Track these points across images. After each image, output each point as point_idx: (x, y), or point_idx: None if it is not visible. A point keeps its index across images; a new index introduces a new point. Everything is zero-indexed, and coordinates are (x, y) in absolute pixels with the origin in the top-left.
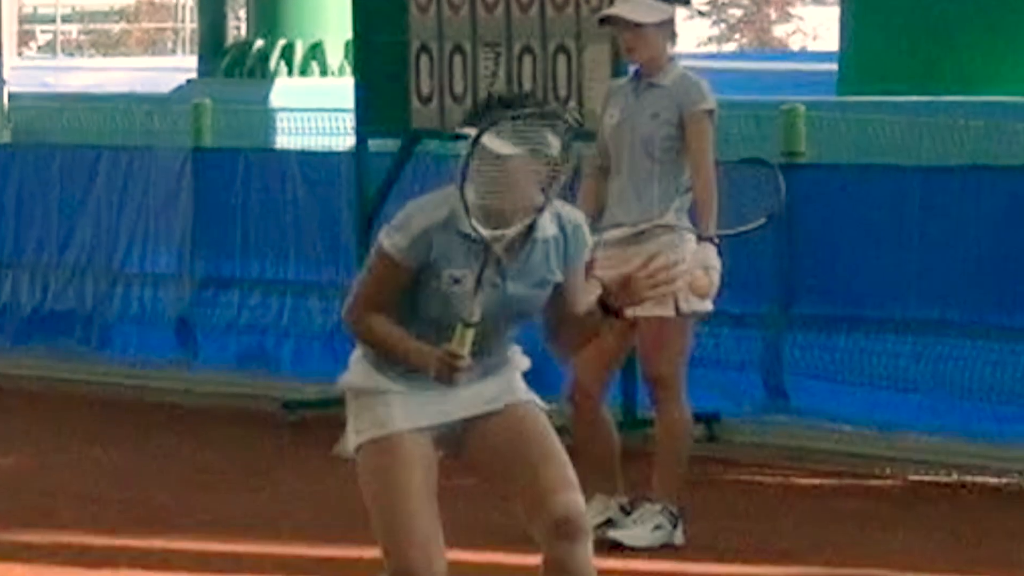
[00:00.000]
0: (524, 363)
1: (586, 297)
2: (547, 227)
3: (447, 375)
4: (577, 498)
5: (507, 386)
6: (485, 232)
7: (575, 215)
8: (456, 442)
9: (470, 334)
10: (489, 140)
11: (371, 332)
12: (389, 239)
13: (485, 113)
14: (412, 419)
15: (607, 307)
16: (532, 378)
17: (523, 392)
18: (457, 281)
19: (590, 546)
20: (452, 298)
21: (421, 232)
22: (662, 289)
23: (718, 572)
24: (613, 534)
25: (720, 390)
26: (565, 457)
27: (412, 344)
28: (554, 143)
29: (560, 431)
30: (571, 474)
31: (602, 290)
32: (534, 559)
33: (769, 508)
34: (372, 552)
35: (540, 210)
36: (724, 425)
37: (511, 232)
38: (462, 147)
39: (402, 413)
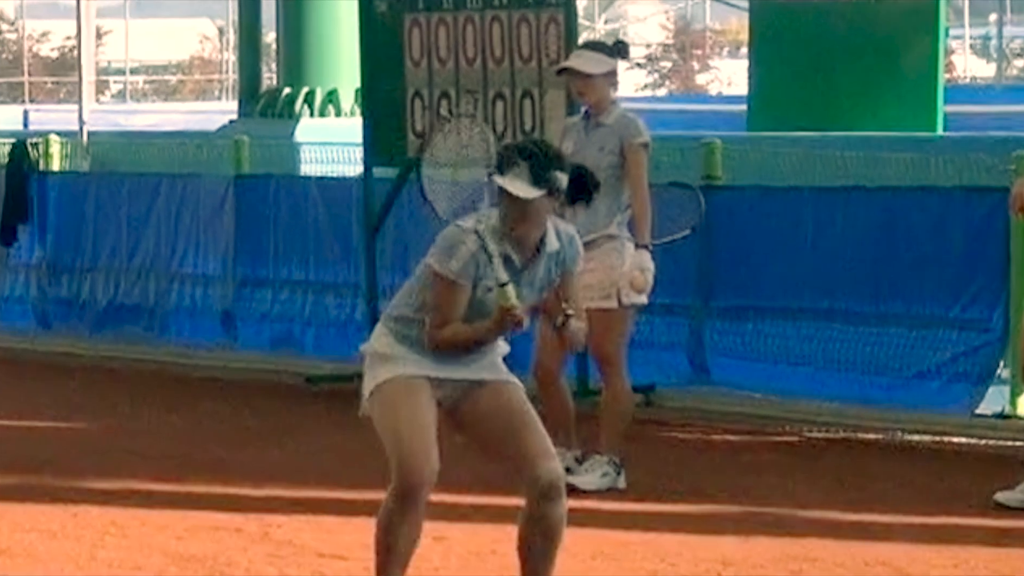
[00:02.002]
0: (505, 348)
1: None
2: (553, 242)
3: (513, 325)
4: (558, 465)
5: (494, 365)
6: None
7: (569, 228)
8: (452, 404)
9: (510, 289)
10: (513, 186)
11: (445, 341)
12: (443, 266)
13: (508, 158)
14: (419, 370)
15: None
16: (509, 356)
17: (506, 373)
18: (490, 290)
19: (565, 501)
20: (486, 302)
21: (470, 256)
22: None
23: (653, 510)
24: (569, 480)
25: (654, 366)
26: (543, 429)
27: (474, 328)
28: (563, 179)
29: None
30: (550, 444)
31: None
32: (512, 500)
33: (692, 459)
34: (380, 495)
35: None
36: (657, 394)
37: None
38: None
39: (412, 367)
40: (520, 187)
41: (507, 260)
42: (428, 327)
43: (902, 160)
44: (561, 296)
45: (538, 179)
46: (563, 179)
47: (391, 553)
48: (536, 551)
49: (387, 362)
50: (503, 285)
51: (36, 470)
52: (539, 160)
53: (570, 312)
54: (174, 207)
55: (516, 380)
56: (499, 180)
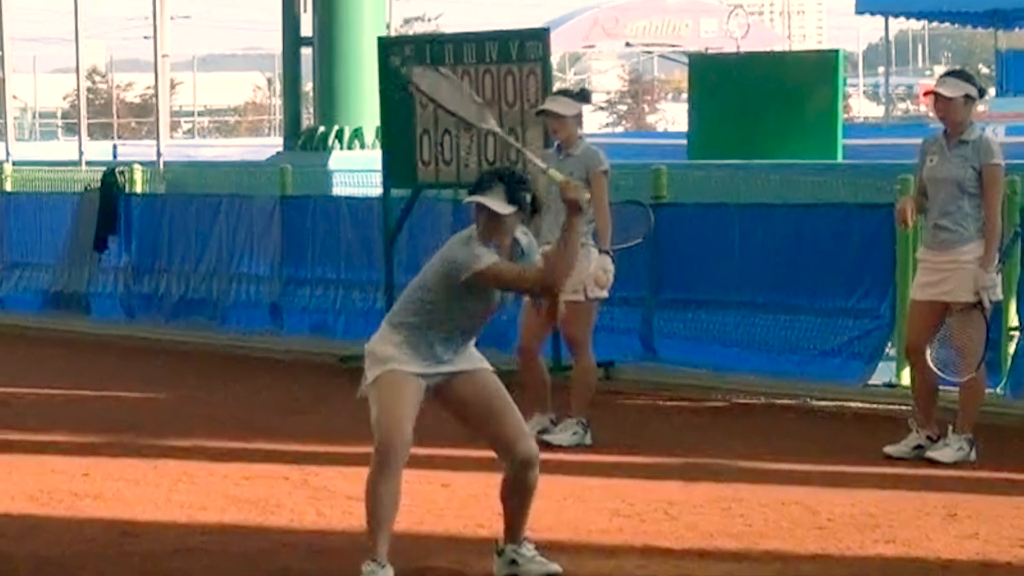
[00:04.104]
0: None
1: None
2: (523, 239)
3: (578, 195)
4: (533, 443)
5: (471, 355)
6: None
7: (524, 228)
8: (437, 386)
9: (554, 171)
10: (492, 204)
11: (556, 277)
12: (478, 266)
13: (486, 181)
14: (410, 367)
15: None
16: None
17: (480, 360)
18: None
19: (538, 470)
20: (492, 296)
21: (484, 246)
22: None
23: (613, 461)
24: (546, 438)
25: (614, 346)
26: (517, 410)
27: (562, 241)
28: (528, 198)
29: (510, 373)
30: (524, 424)
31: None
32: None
33: (645, 421)
34: None
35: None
36: (616, 369)
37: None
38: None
39: (401, 365)
40: (498, 204)
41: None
42: (532, 289)
43: (810, 182)
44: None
45: (512, 198)
46: (529, 197)
47: (377, 511)
48: (514, 506)
49: (381, 361)
50: (547, 170)
51: (123, 431)
52: (512, 183)
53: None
54: (232, 221)
55: (489, 366)
56: (479, 198)
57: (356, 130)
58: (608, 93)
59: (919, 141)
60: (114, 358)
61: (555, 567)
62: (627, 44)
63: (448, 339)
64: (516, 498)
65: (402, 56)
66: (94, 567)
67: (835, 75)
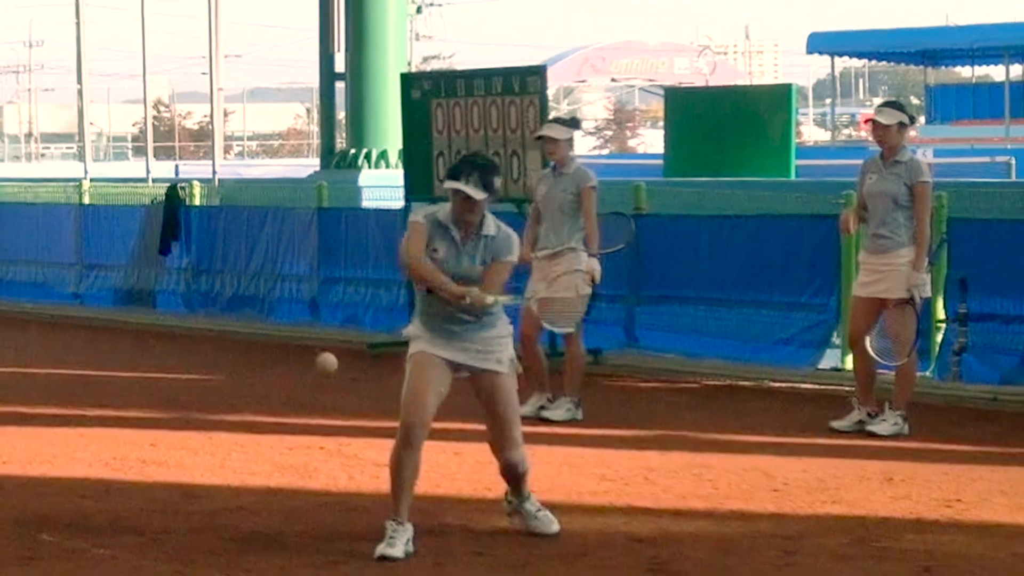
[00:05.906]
0: (509, 330)
1: (497, 280)
2: (490, 228)
3: (463, 305)
4: (518, 453)
5: (495, 353)
6: (456, 233)
7: (510, 230)
8: (468, 376)
9: (493, 297)
10: (469, 189)
11: (413, 266)
12: (415, 217)
13: (464, 168)
14: (432, 347)
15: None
16: None
17: (497, 363)
18: (435, 251)
19: (525, 469)
20: (436, 263)
21: (427, 215)
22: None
23: (601, 434)
24: (544, 414)
25: (601, 336)
26: (518, 420)
27: (440, 279)
28: (499, 183)
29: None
30: (518, 434)
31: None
32: (480, 424)
33: (628, 400)
34: None
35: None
36: (603, 355)
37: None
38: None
39: (428, 345)
40: (473, 190)
41: (451, 236)
42: (404, 252)
43: (768, 196)
44: (484, 274)
45: (486, 185)
46: (499, 182)
47: (399, 478)
48: (509, 483)
49: (413, 340)
50: (497, 300)
51: (184, 408)
52: (485, 170)
53: (475, 291)
54: (277, 229)
55: (505, 369)
56: (457, 184)
57: (382, 152)
58: (596, 121)
59: (860, 162)
60: (176, 346)
61: (555, 528)
62: (612, 79)
63: (442, 312)
64: (509, 480)
65: (421, 89)
66: (160, 522)
67: (789, 105)
